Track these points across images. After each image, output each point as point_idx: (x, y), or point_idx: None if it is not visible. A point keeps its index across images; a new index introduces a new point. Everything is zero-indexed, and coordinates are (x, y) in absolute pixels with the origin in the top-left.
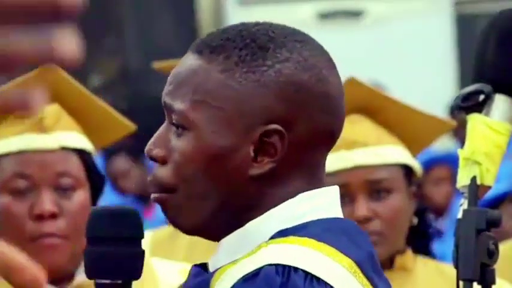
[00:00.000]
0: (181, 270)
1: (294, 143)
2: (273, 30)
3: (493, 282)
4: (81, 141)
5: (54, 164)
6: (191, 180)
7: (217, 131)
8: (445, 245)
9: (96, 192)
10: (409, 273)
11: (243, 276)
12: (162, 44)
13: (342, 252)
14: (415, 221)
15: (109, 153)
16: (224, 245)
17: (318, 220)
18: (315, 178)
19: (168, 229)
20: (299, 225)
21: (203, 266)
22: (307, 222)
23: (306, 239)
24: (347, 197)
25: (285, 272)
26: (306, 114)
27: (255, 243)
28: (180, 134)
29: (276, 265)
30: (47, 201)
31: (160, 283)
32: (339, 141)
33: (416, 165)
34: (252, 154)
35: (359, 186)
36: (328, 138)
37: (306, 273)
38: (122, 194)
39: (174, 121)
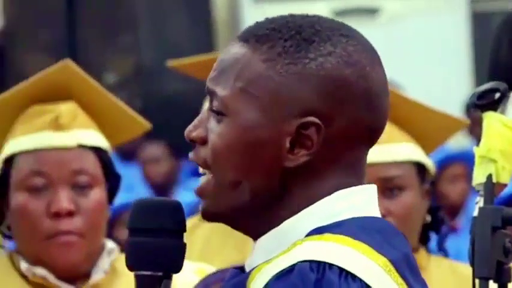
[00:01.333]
0: (197, 270)
1: (331, 138)
2: (320, 23)
3: (509, 280)
4: (98, 139)
5: (71, 162)
6: (226, 165)
7: (255, 120)
8: (460, 243)
9: (112, 190)
10: (422, 272)
11: (278, 273)
12: (176, 42)
13: (377, 251)
14: (429, 218)
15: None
16: (260, 245)
17: (354, 218)
18: (352, 175)
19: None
20: (335, 223)
21: (240, 268)
22: (343, 220)
23: (341, 236)
24: None
25: (320, 268)
26: (345, 109)
27: (290, 242)
28: (220, 120)
29: (311, 261)
30: (64, 199)
31: (176, 281)
32: None
33: (429, 163)
34: (288, 145)
35: (371, 183)
36: (368, 135)
37: (341, 270)
38: (149, 180)
39: (214, 107)
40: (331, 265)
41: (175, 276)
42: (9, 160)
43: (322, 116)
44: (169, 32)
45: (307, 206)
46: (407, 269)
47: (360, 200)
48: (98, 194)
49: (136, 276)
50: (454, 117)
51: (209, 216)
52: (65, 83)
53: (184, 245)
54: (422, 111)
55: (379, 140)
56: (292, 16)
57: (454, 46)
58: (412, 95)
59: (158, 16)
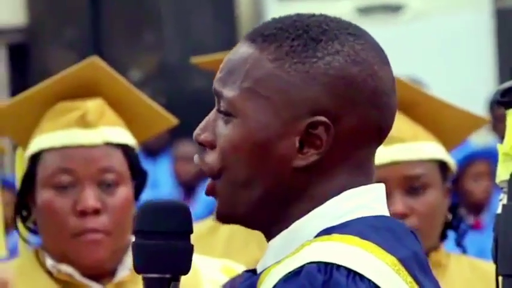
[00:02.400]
0: (223, 268)
1: (340, 137)
2: (327, 22)
3: None
4: (125, 137)
5: (98, 160)
6: (235, 167)
7: (264, 120)
8: (484, 241)
9: (138, 187)
10: (443, 270)
11: (286, 275)
12: (200, 39)
13: (385, 250)
14: (450, 216)
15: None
16: (271, 247)
17: (363, 218)
18: (361, 174)
19: (207, 224)
20: (344, 223)
21: (254, 271)
22: (352, 220)
23: (349, 236)
24: None
25: (327, 269)
26: (354, 108)
27: (300, 242)
28: (228, 120)
29: (318, 263)
30: (91, 197)
31: (203, 279)
32: None
33: (451, 161)
34: (297, 145)
35: (396, 182)
36: (376, 133)
37: (349, 271)
38: (179, 178)
39: (221, 108)
40: (338, 266)
41: (202, 273)
42: (36, 156)
43: (331, 115)
44: (194, 29)
45: (317, 205)
46: (417, 267)
47: (368, 199)
48: (124, 191)
49: (144, 279)
50: (474, 114)
51: (222, 219)
52: (92, 79)
53: (192, 246)
54: (444, 108)
55: (403, 138)
56: (299, 15)
57: (477, 43)
58: (435, 93)
59: (182, 13)
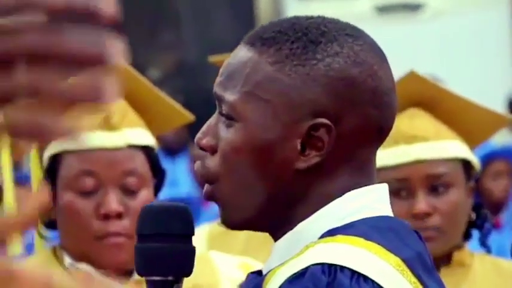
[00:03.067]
0: (241, 265)
1: (341, 138)
2: (325, 24)
3: None
4: (146, 138)
5: (121, 163)
6: (237, 171)
7: (265, 124)
8: (503, 239)
9: (157, 186)
10: (466, 269)
11: (290, 276)
12: (219, 38)
13: (389, 250)
14: (473, 216)
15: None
16: (276, 249)
17: (366, 218)
18: (363, 174)
19: None
20: (348, 224)
21: (258, 273)
22: (355, 221)
23: (353, 237)
24: (406, 192)
25: (331, 271)
26: (355, 109)
27: (304, 244)
28: (229, 124)
29: (322, 264)
30: (114, 201)
31: (220, 276)
32: (398, 135)
33: (474, 160)
34: (299, 147)
35: (419, 180)
36: (377, 133)
37: (353, 272)
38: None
39: (223, 112)
40: (342, 267)
41: (220, 270)
42: (57, 157)
43: (332, 117)
44: (212, 28)
45: (321, 207)
46: (420, 267)
47: (371, 200)
48: (145, 194)
49: (147, 282)
50: (498, 113)
51: (229, 225)
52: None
53: (194, 248)
54: (467, 106)
55: (427, 137)
56: (297, 18)
57: (497, 41)
58: (455, 91)
59: (201, 13)
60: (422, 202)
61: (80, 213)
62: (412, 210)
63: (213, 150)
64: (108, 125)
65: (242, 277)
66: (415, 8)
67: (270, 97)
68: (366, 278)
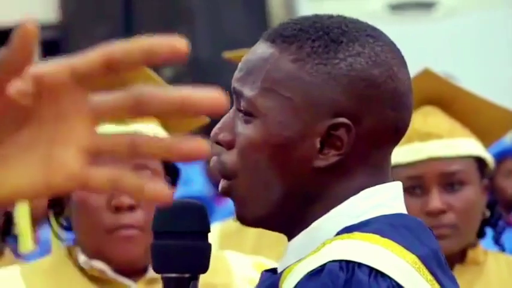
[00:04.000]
0: (256, 264)
1: (360, 138)
2: (346, 24)
3: None
4: (158, 132)
5: None
6: (255, 168)
7: (284, 121)
8: None
9: (172, 184)
10: (480, 267)
11: (308, 273)
12: (232, 35)
13: (405, 248)
14: (488, 213)
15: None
16: (292, 247)
17: (381, 216)
18: (379, 173)
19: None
20: (364, 221)
21: (273, 271)
22: (371, 218)
23: (369, 234)
24: (420, 189)
25: (349, 268)
26: (374, 109)
27: (321, 241)
28: (248, 120)
29: (340, 261)
30: None
31: (235, 276)
32: (412, 133)
33: (489, 157)
34: (318, 146)
35: (433, 178)
36: (394, 134)
37: (370, 269)
38: (212, 178)
39: (242, 107)
40: (360, 264)
41: (234, 270)
42: None
43: (352, 116)
44: (225, 26)
45: (336, 205)
46: (436, 264)
47: (386, 198)
48: None
49: (163, 279)
50: None
51: (244, 221)
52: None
53: (210, 245)
54: (482, 104)
55: (441, 135)
56: (317, 16)
57: (509, 40)
58: (469, 89)
59: (214, 10)
60: (436, 200)
61: (92, 206)
62: (426, 208)
63: (229, 146)
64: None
65: (257, 277)
66: (428, 6)
67: (290, 94)
68: (383, 275)
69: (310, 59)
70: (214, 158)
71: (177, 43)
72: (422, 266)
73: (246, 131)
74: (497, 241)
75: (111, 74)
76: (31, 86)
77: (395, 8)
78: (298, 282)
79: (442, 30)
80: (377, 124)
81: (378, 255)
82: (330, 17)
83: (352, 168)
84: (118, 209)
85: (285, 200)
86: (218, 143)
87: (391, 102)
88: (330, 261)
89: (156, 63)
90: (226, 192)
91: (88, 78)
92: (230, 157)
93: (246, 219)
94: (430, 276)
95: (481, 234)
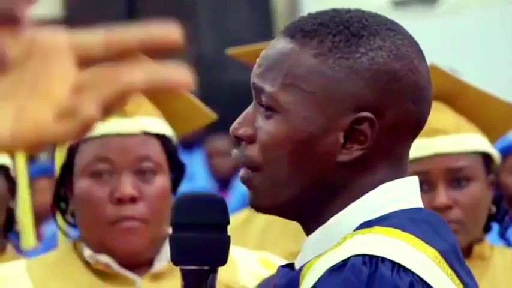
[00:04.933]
0: (261, 259)
1: (383, 132)
2: (365, 18)
3: None
4: (163, 127)
5: (136, 148)
6: (277, 162)
7: (308, 116)
8: None
9: (176, 179)
10: (486, 262)
11: (330, 268)
12: (236, 32)
13: (426, 242)
14: (494, 209)
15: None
16: (310, 243)
17: (400, 210)
18: (399, 167)
19: (241, 216)
20: (383, 216)
21: (290, 266)
22: (390, 213)
23: (390, 229)
24: (426, 185)
25: (372, 262)
26: (396, 103)
27: (339, 236)
28: (269, 116)
29: (363, 255)
30: (127, 185)
31: (240, 271)
32: None
33: (495, 153)
34: (342, 141)
35: (439, 174)
36: (415, 127)
37: (393, 263)
38: (215, 173)
39: (263, 102)
40: (383, 259)
41: (239, 265)
42: (74, 146)
43: (375, 110)
44: (229, 22)
45: (355, 199)
46: (455, 259)
47: (404, 192)
48: (161, 180)
49: (182, 271)
50: None
51: (258, 208)
52: None
53: (229, 237)
54: (488, 100)
55: (447, 130)
56: (335, 11)
57: None
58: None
59: (218, 6)
60: (442, 195)
61: (94, 198)
62: (433, 204)
63: (250, 140)
64: (123, 112)
65: (261, 272)
66: (431, 2)
67: (313, 90)
68: (406, 270)
69: (331, 53)
70: (235, 151)
71: (172, 32)
72: (442, 261)
73: (267, 126)
74: (503, 236)
75: (108, 57)
76: (25, 43)
77: (398, 4)
78: (320, 278)
79: (445, 26)
80: (399, 118)
81: (400, 250)
82: (349, 11)
83: (374, 163)
84: (120, 201)
85: (306, 193)
86: (238, 137)
87: (413, 95)
88: (352, 256)
89: (153, 53)
90: (247, 182)
91: (85, 54)
92: (254, 150)
93: (262, 206)
94: (450, 271)
95: (487, 229)
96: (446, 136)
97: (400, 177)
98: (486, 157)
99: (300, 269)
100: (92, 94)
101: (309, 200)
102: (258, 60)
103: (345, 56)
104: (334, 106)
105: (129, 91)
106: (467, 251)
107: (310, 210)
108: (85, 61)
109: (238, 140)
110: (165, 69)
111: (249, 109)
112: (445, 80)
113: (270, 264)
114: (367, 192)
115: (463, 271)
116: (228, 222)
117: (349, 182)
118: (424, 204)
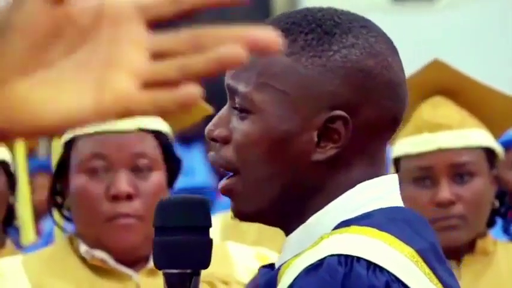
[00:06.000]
0: (258, 255)
1: (357, 130)
2: (338, 15)
3: None
4: (158, 123)
5: (131, 145)
6: (253, 162)
7: (282, 115)
8: None
9: (172, 175)
10: (490, 257)
11: (306, 267)
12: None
13: (403, 241)
14: (497, 204)
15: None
16: (289, 242)
17: (379, 209)
18: (376, 165)
19: None
20: (361, 215)
21: (271, 266)
22: (369, 212)
23: (367, 228)
24: (430, 180)
25: (348, 262)
26: (371, 100)
27: (318, 235)
28: (244, 117)
29: (339, 255)
30: (123, 182)
31: (236, 267)
32: (422, 124)
33: (498, 148)
34: (316, 139)
35: (443, 169)
36: (391, 125)
37: (369, 263)
38: (213, 167)
39: (237, 104)
40: (359, 258)
41: (236, 261)
42: (70, 143)
43: (349, 108)
44: (228, 17)
45: (333, 198)
46: (434, 258)
47: (383, 191)
48: (157, 177)
49: (165, 275)
50: None
51: (241, 216)
52: None
53: (211, 240)
54: (491, 95)
55: (450, 125)
56: (308, 10)
57: (511, 30)
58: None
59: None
60: (446, 190)
61: (90, 195)
62: (436, 199)
63: (225, 141)
64: None
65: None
66: None
67: (286, 88)
68: (381, 269)
69: (304, 52)
70: (212, 154)
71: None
72: (420, 260)
73: (242, 126)
74: (506, 230)
75: (177, 14)
76: (93, 11)
77: (397, 0)
78: (297, 277)
79: (444, 22)
80: (374, 115)
81: (376, 249)
82: (321, 9)
83: (350, 161)
84: (116, 198)
85: (283, 194)
86: (213, 139)
87: (387, 92)
88: (328, 256)
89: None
90: (228, 191)
91: (154, 12)
92: (229, 151)
93: (243, 213)
94: (428, 270)
95: (490, 224)
96: (449, 131)
97: (378, 175)
98: (489, 152)
99: (278, 268)
100: (179, 62)
101: (286, 201)
102: None
103: (317, 54)
104: (308, 105)
105: (229, 58)
106: (471, 246)
107: (288, 211)
108: (155, 23)
109: (214, 142)
110: (254, 31)
111: (224, 110)
112: (449, 75)
113: (267, 259)
114: (345, 190)
115: (442, 270)
116: (210, 225)
117: (326, 181)
118: (426, 200)
